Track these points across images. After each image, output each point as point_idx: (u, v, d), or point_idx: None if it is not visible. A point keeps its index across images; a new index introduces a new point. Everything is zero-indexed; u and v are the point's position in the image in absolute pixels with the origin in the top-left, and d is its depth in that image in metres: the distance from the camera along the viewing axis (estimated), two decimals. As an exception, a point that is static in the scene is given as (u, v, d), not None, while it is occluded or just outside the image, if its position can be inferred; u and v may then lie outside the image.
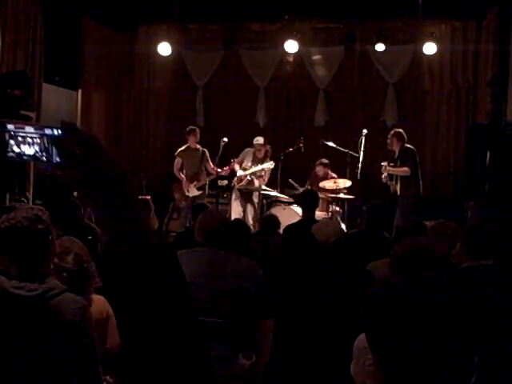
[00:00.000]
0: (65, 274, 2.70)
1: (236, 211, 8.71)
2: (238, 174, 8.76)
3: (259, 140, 8.80)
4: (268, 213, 8.06)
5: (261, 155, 8.77)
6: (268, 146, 8.86)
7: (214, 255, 3.17)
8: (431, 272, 2.36)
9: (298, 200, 7.62)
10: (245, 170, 8.77)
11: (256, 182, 8.80)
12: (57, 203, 6.66)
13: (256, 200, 8.84)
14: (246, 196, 8.81)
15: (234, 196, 8.85)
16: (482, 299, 2.58)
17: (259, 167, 8.67)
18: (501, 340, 2.58)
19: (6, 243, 2.13)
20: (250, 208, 8.75)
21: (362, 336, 2.34)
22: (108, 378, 3.05)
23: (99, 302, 3.17)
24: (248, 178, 8.72)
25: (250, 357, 3.13)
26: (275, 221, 5.65)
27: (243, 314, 3.11)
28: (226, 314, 3.08)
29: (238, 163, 8.81)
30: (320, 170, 9.09)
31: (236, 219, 7.25)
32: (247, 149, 8.94)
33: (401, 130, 8.23)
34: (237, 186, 8.79)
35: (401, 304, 1.16)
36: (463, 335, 1.17)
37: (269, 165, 8.66)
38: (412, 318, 1.15)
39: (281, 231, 5.79)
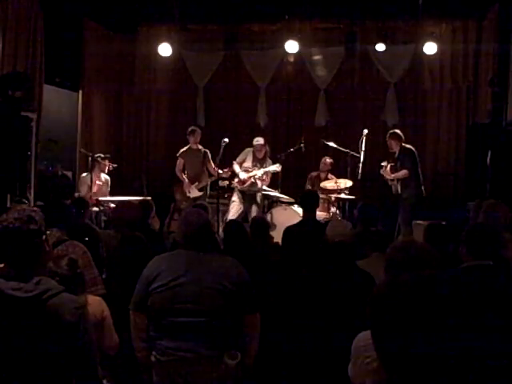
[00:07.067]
0: (57, 278, 2.70)
1: (234, 212, 8.67)
2: (240, 176, 8.70)
3: (259, 141, 8.76)
4: (259, 215, 8.02)
5: (261, 155, 8.75)
6: (267, 147, 8.85)
7: (191, 256, 3.23)
8: (426, 272, 2.36)
9: (298, 200, 7.59)
10: (247, 171, 8.73)
11: (258, 183, 8.76)
12: (58, 204, 6.66)
13: (260, 201, 8.79)
14: (249, 197, 8.76)
15: (234, 197, 8.80)
16: (483, 299, 2.59)
17: (263, 170, 8.60)
18: (501, 338, 2.58)
19: (0, 245, 2.11)
20: (254, 210, 8.67)
21: (360, 336, 2.34)
22: (105, 382, 3.05)
23: (94, 303, 3.17)
24: (252, 179, 8.68)
25: (235, 356, 3.11)
26: (264, 222, 5.64)
27: (224, 312, 3.13)
28: (208, 312, 3.11)
29: (238, 163, 8.78)
30: (326, 164, 9.09)
31: (231, 220, 7.23)
32: (247, 149, 8.89)
33: (396, 130, 8.22)
34: (239, 188, 8.74)
35: (406, 303, 1.17)
36: (463, 333, 1.17)
37: (275, 167, 8.59)
38: (417, 316, 1.15)
39: (277, 232, 5.78)
